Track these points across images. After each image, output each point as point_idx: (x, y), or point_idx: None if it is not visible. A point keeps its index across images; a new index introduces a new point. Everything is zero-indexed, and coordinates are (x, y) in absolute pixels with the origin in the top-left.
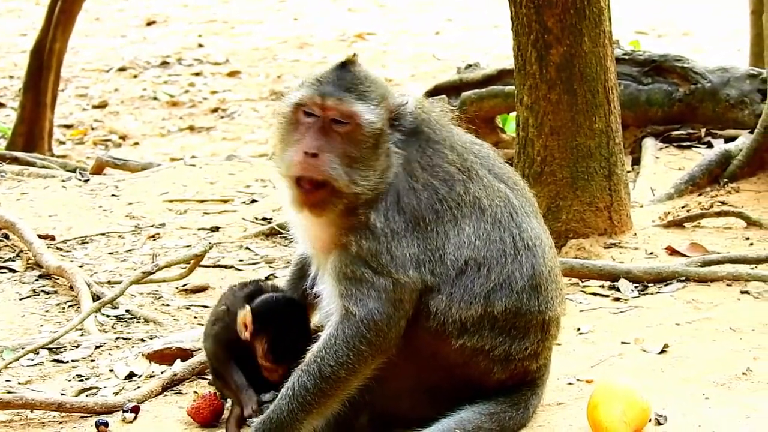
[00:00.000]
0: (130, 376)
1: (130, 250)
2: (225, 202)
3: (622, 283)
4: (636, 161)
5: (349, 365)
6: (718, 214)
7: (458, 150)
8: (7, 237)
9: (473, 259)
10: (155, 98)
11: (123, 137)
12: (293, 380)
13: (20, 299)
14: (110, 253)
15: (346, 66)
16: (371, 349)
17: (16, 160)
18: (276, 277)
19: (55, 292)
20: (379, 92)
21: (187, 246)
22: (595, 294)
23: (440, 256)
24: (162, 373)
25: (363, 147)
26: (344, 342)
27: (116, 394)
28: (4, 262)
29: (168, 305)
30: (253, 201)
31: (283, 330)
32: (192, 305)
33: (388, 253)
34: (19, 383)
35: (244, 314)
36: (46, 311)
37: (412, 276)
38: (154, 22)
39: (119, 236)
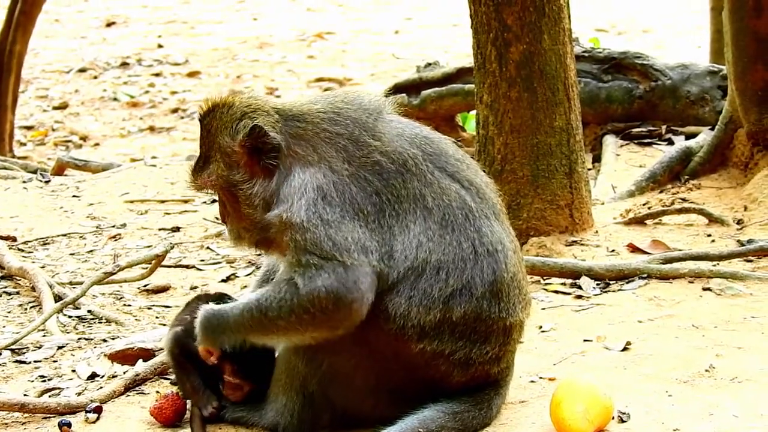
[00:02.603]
0: (93, 376)
1: (91, 251)
2: (186, 202)
3: (584, 281)
4: (597, 159)
5: (291, 324)
6: (680, 211)
7: (386, 140)
8: None
9: (429, 263)
10: (115, 99)
11: (84, 138)
12: (250, 301)
13: None
14: (72, 254)
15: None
16: (314, 322)
17: None
18: (237, 276)
19: (17, 293)
20: (217, 139)
21: (148, 246)
22: (556, 292)
23: (387, 250)
24: (124, 373)
25: (230, 197)
26: (290, 307)
27: (79, 394)
28: None
29: (130, 305)
30: (214, 201)
31: (249, 350)
32: (153, 305)
33: (329, 239)
34: None
35: None
36: (8, 312)
37: (359, 259)
38: (113, 23)
39: (80, 237)
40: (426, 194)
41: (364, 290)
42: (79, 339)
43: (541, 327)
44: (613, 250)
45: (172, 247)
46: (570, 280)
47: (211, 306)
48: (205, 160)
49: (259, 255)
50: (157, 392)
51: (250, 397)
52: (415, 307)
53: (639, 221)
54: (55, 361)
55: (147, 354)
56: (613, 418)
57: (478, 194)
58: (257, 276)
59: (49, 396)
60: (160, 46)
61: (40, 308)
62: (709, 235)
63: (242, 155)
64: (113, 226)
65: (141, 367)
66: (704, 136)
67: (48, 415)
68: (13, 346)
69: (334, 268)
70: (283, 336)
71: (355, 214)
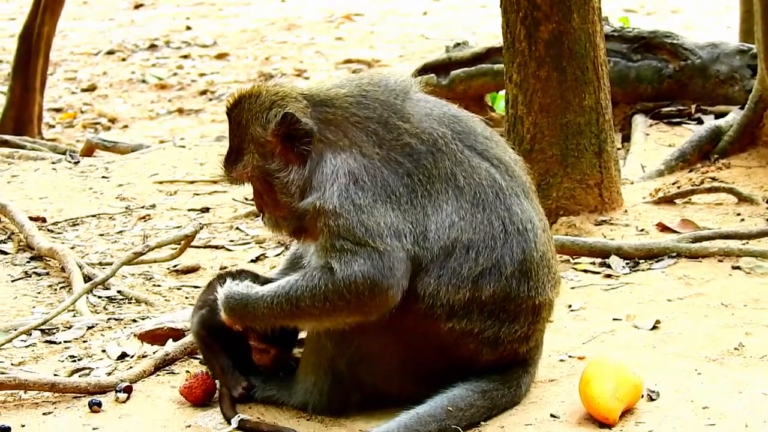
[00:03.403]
0: (123, 356)
1: (120, 232)
2: (215, 182)
3: (613, 260)
4: (626, 138)
5: (325, 311)
6: (709, 191)
7: (415, 120)
8: None
9: (460, 242)
10: (144, 81)
11: (112, 120)
12: (278, 292)
13: (12, 281)
14: (101, 235)
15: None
16: (349, 308)
17: (6, 144)
18: (266, 257)
19: (47, 273)
20: (249, 130)
21: (178, 227)
22: (586, 271)
23: (422, 231)
24: (154, 353)
25: (266, 186)
26: (324, 293)
27: (109, 374)
28: None
29: (159, 286)
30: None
31: None
32: (183, 286)
33: (361, 225)
34: (12, 364)
35: None
36: (38, 293)
37: (392, 244)
38: (141, 5)
39: (110, 218)
40: (457, 173)
41: (399, 276)
42: (109, 319)
43: (570, 306)
44: (642, 230)
45: (201, 228)
46: (599, 260)
47: (234, 290)
48: (238, 152)
49: (294, 241)
50: (187, 372)
51: (281, 370)
52: (444, 286)
53: (668, 200)
54: (85, 341)
55: (177, 334)
56: (642, 396)
57: (507, 172)
58: (286, 255)
59: (80, 376)
60: (188, 28)
61: (70, 289)
62: (739, 214)
63: (276, 144)
64: (142, 207)
65: (171, 346)
66: (734, 116)
67: (78, 395)
68: (43, 327)
69: (369, 254)
70: (316, 322)
71: (387, 197)
